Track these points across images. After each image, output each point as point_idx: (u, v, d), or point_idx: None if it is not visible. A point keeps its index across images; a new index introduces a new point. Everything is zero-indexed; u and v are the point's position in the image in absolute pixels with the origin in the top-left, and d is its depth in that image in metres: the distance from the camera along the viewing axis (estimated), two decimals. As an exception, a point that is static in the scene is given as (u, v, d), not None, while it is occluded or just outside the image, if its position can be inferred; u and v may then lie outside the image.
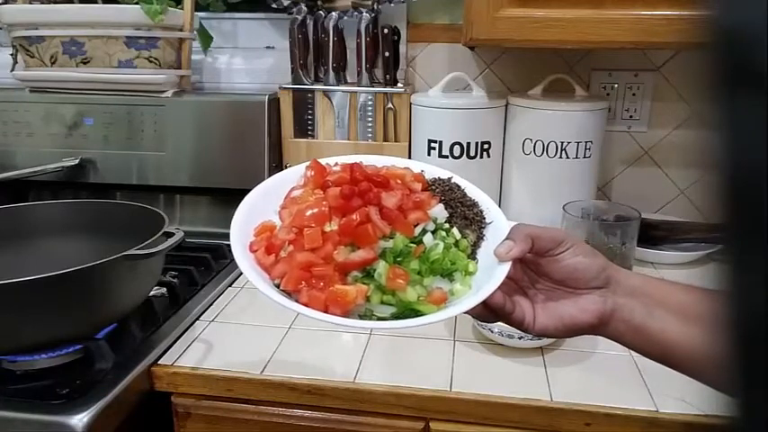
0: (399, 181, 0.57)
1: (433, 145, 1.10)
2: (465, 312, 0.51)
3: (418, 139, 1.14)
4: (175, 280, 0.97)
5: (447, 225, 0.56)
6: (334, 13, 1.16)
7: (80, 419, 0.67)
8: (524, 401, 0.71)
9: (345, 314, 0.49)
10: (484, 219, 0.58)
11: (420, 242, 0.53)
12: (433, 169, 0.62)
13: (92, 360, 0.77)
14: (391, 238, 0.52)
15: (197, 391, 0.78)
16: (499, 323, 0.79)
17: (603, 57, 1.19)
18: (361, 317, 0.50)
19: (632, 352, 0.78)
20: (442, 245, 0.53)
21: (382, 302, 0.50)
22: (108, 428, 0.71)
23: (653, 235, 1.09)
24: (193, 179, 1.19)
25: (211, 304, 0.94)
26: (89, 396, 0.70)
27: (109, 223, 0.94)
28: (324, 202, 0.53)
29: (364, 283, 0.50)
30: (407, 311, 0.50)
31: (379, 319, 0.50)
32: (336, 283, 0.49)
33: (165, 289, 0.95)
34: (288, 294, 0.51)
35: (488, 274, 0.52)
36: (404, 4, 1.19)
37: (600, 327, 0.53)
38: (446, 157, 1.09)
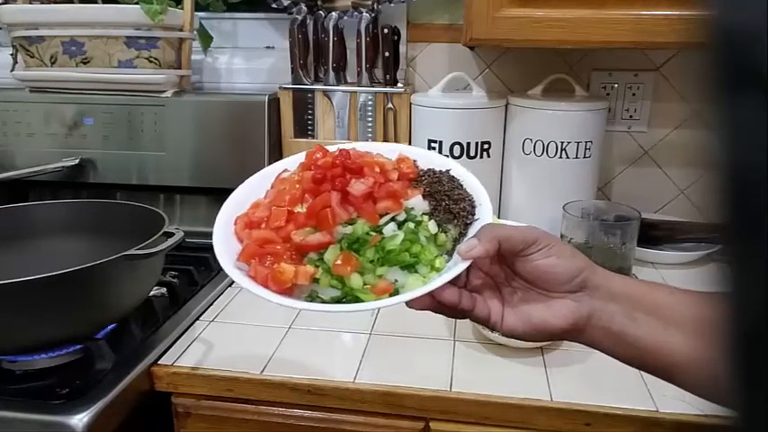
0: (378, 169, 0.55)
1: (433, 145, 1.10)
2: (411, 306, 0.51)
3: (418, 139, 1.14)
4: (175, 280, 0.97)
5: (424, 218, 0.54)
6: (334, 13, 1.16)
7: (80, 419, 0.67)
8: (524, 401, 0.71)
9: (285, 292, 0.50)
10: (471, 215, 0.55)
11: (381, 231, 0.52)
12: (434, 159, 0.61)
13: (92, 360, 0.77)
14: (352, 224, 0.52)
15: (197, 391, 0.78)
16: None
17: (603, 57, 1.19)
18: (307, 298, 0.51)
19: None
20: (401, 236, 0.52)
21: (330, 286, 0.51)
22: (108, 428, 0.71)
23: (653, 235, 1.09)
24: (193, 179, 1.19)
25: (211, 304, 0.94)
26: (89, 396, 0.70)
27: (109, 223, 0.94)
28: (298, 185, 0.55)
29: (316, 266, 0.51)
30: (350, 297, 0.51)
31: (323, 302, 0.51)
32: (285, 262, 0.50)
33: (165, 289, 0.95)
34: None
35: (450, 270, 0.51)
36: (404, 4, 1.19)
37: (574, 332, 0.51)
38: (446, 157, 1.09)
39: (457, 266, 0.50)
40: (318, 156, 0.57)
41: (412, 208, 0.54)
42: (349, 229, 0.51)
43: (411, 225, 0.53)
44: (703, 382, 0.46)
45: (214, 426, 0.80)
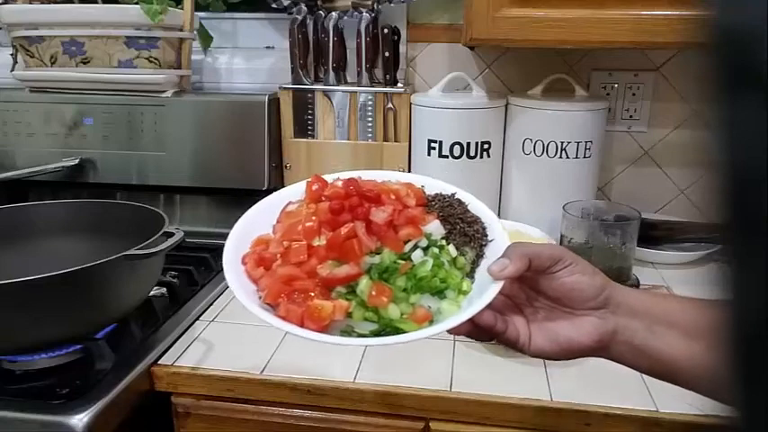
0: (393, 196, 0.55)
1: (433, 145, 1.10)
2: (450, 332, 0.50)
3: (418, 139, 1.14)
4: (175, 280, 0.97)
5: (443, 242, 0.54)
6: (334, 13, 1.16)
7: (80, 419, 0.67)
8: (524, 401, 0.71)
9: (322, 329, 0.48)
10: (485, 236, 0.56)
11: (408, 259, 0.52)
12: (437, 184, 0.61)
13: (92, 360, 0.77)
14: (378, 253, 0.51)
15: (197, 391, 0.78)
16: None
17: (603, 57, 1.19)
18: (343, 333, 0.50)
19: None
20: (431, 262, 0.52)
21: (365, 319, 0.49)
22: (108, 428, 0.71)
23: (653, 235, 1.09)
24: (193, 179, 1.19)
25: (211, 304, 0.94)
26: (89, 396, 0.70)
27: (109, 223, 0.94)
28: (313, 217, 0.53)
29: (347, 299, 0.49)
30: (389, 329, 0.49)
31: (360, 335, 0.49)
32: (316, 298, 0.49)
33: (165, 289, 0.95)
34: (271, 307, 0.50)
35: (482, 293, 0.50)
36: (404, 4, 1.19)
37: (600, 350, 0.52)
38: (446, 156, 1.09)
39: (491, 288, 0.50)
40: (317, 187, 0.56)
41: (431, 233, 0.54)
42: (377, 259, 0.51)
43: (435, 250, 0.53)
44: (716, 386, 0.46)
45: (214, 426, 0.80)
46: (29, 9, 1.18)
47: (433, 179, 0.61)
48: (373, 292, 0.49)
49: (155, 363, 0.79)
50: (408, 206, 0.55)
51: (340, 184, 0.56)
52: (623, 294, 0.52)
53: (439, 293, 0.51)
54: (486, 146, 1.11)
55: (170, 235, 0.82)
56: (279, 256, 0.52)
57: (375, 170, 0.61)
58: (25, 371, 0.76)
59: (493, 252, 0.54)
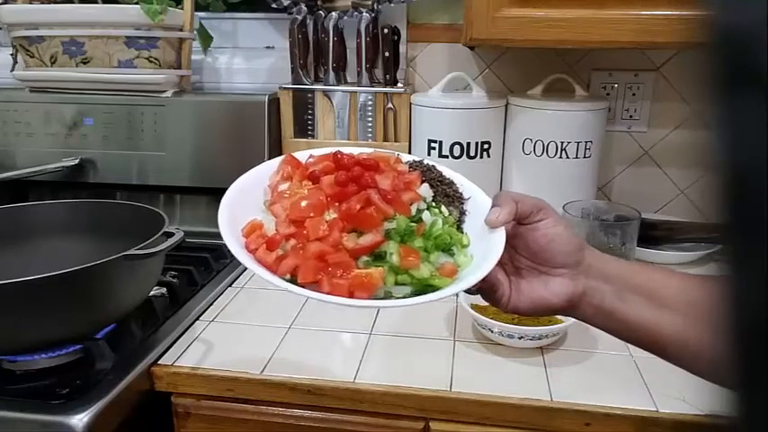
0: (383, 165, 0.57)
1: (433, 145, 1.10)
2: (468, 291, 0.53)
3: (418, 139, 1.14)
4: (175, 280, 0.97)
5: (434, 203, 0.57)
6: (334, 13, 1.16)
7: (80, 419, 0.67)
8: (524, 401, 0.71)
9: (372, 297, 0.49)
10: (462, 194, 0.59)
11: (419, 220, 0.54)
12: (404, 156, 0.63)
13: (92, 360, 0.77)
14: (392, 219, 0.52)
15: (197, 391, 0.78)
16: (498, 322, 0.79)
17: (603, 57, 1.19)
18: (384, 299, 0.51)
19: (632, 351, 0.79)
20: (440, 221, 0.54)
21: (397, 283, 0.50)
22: (108, 428, 0.71)
23: (653, 235, 1.09)
24: (193, 179, 1.19)
25: (211, 304, 0.94)
26: (89, 396, 0.70)
27: (109, 223, 0.94)
28: (319, 191, 0.53)
29: (377, 266, 0.50)
30: (424, 287, 0.51)
31: (400, 298, 0.51)
32: (354, 269, 0.50)
33: (165, 289, 0.95)
34: (302, 287, 0.50)
35: (483, 245, 0.53)
36: (404, 4, 1.19)
37: (569, 309, 0.55)
38: (446, 156, 1.09)
39: (497, 236, 0.53)
40: (293, 166, 0.57)
41: (425, 196, 0.56)
42: (393, 224, 0.52)
43: (435, 210, 0.56)
44: (693, 359, 0.50)
45: (214, 426, 0.80)
46: (29, 9, 1.18)
47: (400, 152, 0.63)
48: (403, 255, 0.50)
49: (155, 363, 0.79)
50: (401, 172, 0.57)
51: (313, 160, 0.58)
52: (597, 258, 0.55)
53: (447, 250, 0.54)
54: (486, 146, 1.11)
55: (170, 235, 0.82)
56: (290, 236, 0.52)
57: (346, 147, 0.61)
58: (25, 371, 0.76)
59: (474, 208, 0.57)
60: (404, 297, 0.50)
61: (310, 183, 0.55)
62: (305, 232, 0.51)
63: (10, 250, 0.93)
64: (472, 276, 0.51)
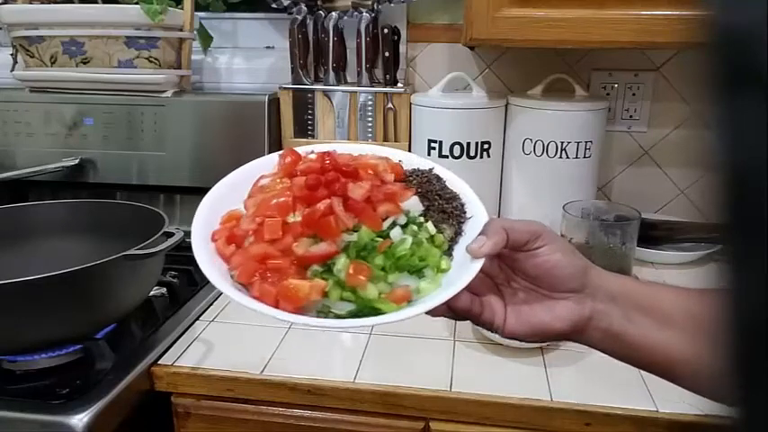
0: (371, 171, 0.53)
1: (433, 145, 1.10)
2: (428, 313, 0.48)
3: (418, 139, 1.14)
4: (175, 280, 0.97)
5: (421, 219, 0.52)
6: (334, 13, 1.16)
7: (80, 419, 0.67)
8: (524, 401, 0.71)
9: (298, 310, 0.46)
10: (463, 213, 0.54)
11: (387, 236, 0.50)
12: (414, 159, 0.59)
13: (92, 360, 0.77)
14: (356, 231, 0.49)
15: (197, 391, 0.78)
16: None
17: (603, 57, 1.19)
18: (319, 313, 0.48)
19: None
20: (410, 240, 0.50)
21: (342, 299, 0.47)
22: (108, 428, 0.71)
23: (653, 235, 1.09)
24: (193, 179, 1.19)
25: (211, 304, 0.94)
26: (89, 396, 0.70)
27: (109, 223, 0.94)
28: (288, 192, 0.51)
29: (324, 278, 0.47)
30: (367, 309, 0.47)
31: (337, 316, 0.48)
32: (292, 277, 0.47)
33: (165, 289, 0.95)
34: (244, 287, 0.48)
35: (461, 272, 0.49)
36: (404, 4, 1.19)
37: (573, 334, 0.51)
38: (446, 156, 1.09)
39: (471, 268, 0.48)
40: (289, 160, 0.54)
41: (409, 210, 0.52)
42: (354, 237, 0.48)
43: (414, 227, 0.51)
44: (701, 379, 0.47)
45: (214, 426, 0.80)
46: (29, 9, 1.18)
47: (411, 154, 0.60)
48: (351, 271, 0.47)
49: (155, 363, 0.79)
50: (386, 181, 0.53)
51: (314, 156, 0.54)
52: (603, 278, 0.51)
53: (418, 272, 0.50)
54: (486, 146, 1.11)
55: (170, 235, 0.82)
56: (251, 232, 0.50)
57: (351, 143, 0.60)
58: (25, 371, 0.76)
59: (472, 229, 0.52)
60: (342, 316, 0.47)
61: (289, 180, 0.53)
62: (263, 231, 0.49)
63: (10, 250, 0.93)
64: (416, 307, 0.47)
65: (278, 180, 0.54)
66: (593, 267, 0.51)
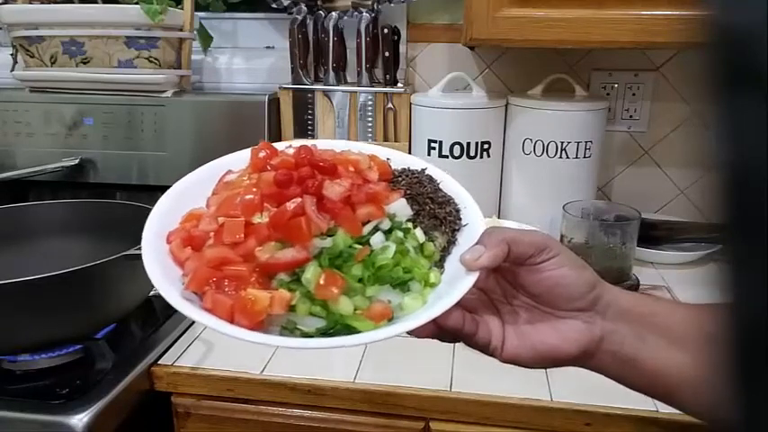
0: (352, 168, 0.47)
1: (433, 145, 1.10)
2: (411, 333, 0.43)
3: (418, 139, 1.14)
4: (175, 280, 0.97)
5: (409, 225, 0.46)
6: (334, 13, 1.16)
7: (80, 419, 0.67)
8: (524, 401, 0.71)
9: (256, 326, 0.40)
10: (458, 220, 0.48)
11: (367, 243, 0.44)
12: (405, 158, 0.53)
13: (92, 360, 0.77)
14: (330, 236, 0.42)
15: (197, 391, 0.78)
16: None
17: (603, 57, 1.19)
18: (284, 330, 0.42)
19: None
20: (393, 248, 0.43)
21: (311, 314, 0.41)
22: (108, 428, 0.71)
23: (653, 235, 1.09)
24: (193, 179, 1.19)
25: (211, 304, 0.94)
26: (89, 396, 0.70)
27: (109, 223, 0.94)
28: (254, 189, 0.44)
29: (290, 289, 0.41)
30: (339, 327, 0.41)
31: (303, 334, 0.41)
32: (251, 287, 0.40)
33: (165, 289, 0.95)
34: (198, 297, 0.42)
35: (453, 287, 0.43)
36: (404, 4, 1.19)
37: (582, 359, 0.46)
38: (446, 156, 1.09)
39: (463, 283, 0.42)
40: (264, 154, 0.48)
41: (394, 214, 0.46)
42: (328, 242, 0.42)
43: (399, 234, 0.45)
44: (703, 399, 0.43)
45: (214, 426, 0.80)
46: (29, 9, 1.18)
47: (402, 153, 0.53)
48: (322, 282, 0.40)
49: (155, 363, 0.79)
50: (369, 180, 0.47)
51: (291, 152, 0.48)
52: (613, 294, 0.46)
53: (402, 285, 0.44)
54: (486, 146, 1.11)
55: (170, 235, 0.82)
56: (212, 234, 0.43)
57: (336, 140, 0.53)
58: (25, 371, 0.76)
59: (467, 238, 0.46)
60: (310, 334, 0.41)
61: (258, 176, 0.47)
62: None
63: (10, 250, 0.93)
64: (396, 326, 0.41)
65: (247, 175, 0.48)
66: (602, 283, 0.46)
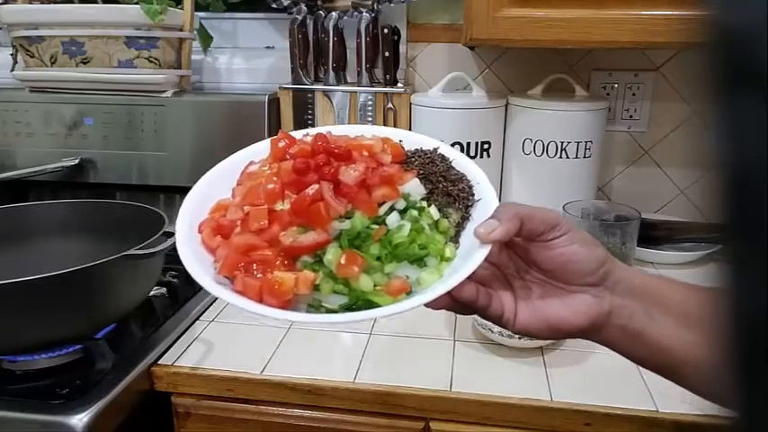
0: (366, 152, 0.49)
1: (433, 145, 1.10)
2: (428, 305, 0.44)
3: (418, 139, 1.14)
4: (175, 280, 0.97)
5: (423, 203, 0.48)
6: (334, 13, 1.16)
7: (80, 419, 0.67)
8: (524, 401, 0.71)
9: (284, 305, 0.43)
10: (471, 195, 0.50)
11: (383, 223, 0.46)
12: (418, 138, 0.55)
13: (92, 360, 0.77)
14: (348, 218, 0.45)
15: (197, 391, 0.78)
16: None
17: (603, 57, 1.19)
18: (310, 308, 0.45)
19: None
20: (408, 226, 0.46)
21: (334, 292, 0.44)
22: (108, 428, 0.71)
23: (653, 235, 1.09)
24: (193, 179, 1.18)
25: (211, 304, 0.94)
26: (89, 396, 0.70)
27: (109, 223, 0.94)
28: (275, 178, 0.47)
29: (314, 270, 0.44)
30: (360, 302, 0.44)
31: (328, 311, 0.45)
32: (277, 269, 0.44)
33: (165, 289, 0.95)
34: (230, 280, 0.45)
35: (467, 260, 0.45)
36: (404, 4, 1.19)
37: (592, 331, 0.47)
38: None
39: (475, 255, 0.44)
40: (283, 144, 0.50)
41: (409, 194, 0.48)
42: (347, 224, 0.45)
43: (414, 213, 0.47)
44: (709, 382, 0.44)
45: (214, 426, 0.80)
46: (29, 9, 1.18)
47: (414, 133, 0.55)
48: (342, 262, 0.43)
49: (155, 363, 0.79)
50: (383, 163, 0.49)
51: (309, 140, 0.50)
52: (623, 271, 0.47)
53: (418, 261, 0.46)
54: (486, 146, 1.11)
55: (170, 235, 0.81)
56: (238, 222, 0.47)
57: (349, 125, 0.56)
58: (25, 371, 0.76)
59: (481, 214, 0.48)
60: (334, 310, 0.44)
61: (278, 166, 0.49)
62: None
63: (10, 250, 0.93)
64: (414, 299, 0.43)
65: (268, 165, 0.50)
66: (612, 259, 0.47)
